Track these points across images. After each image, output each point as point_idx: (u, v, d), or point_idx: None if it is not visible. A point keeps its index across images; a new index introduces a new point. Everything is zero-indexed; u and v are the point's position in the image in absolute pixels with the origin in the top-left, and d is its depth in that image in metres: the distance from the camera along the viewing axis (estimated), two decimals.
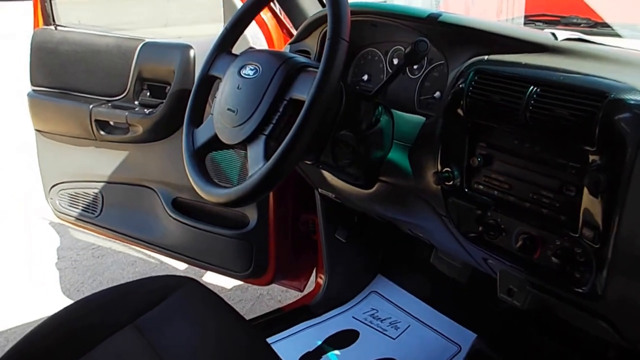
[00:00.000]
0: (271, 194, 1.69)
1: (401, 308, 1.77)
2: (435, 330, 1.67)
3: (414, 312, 1.74)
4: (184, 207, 1.86)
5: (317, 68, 0.96)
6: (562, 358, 1.29)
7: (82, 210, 2.07)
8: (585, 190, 0.85)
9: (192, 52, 1.67)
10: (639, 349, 1.01)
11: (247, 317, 1.71)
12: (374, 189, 1.25)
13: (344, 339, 1.67)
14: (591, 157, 0.84)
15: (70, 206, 2.10)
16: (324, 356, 1.60)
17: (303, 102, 0.96)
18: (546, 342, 1.33)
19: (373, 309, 1.78)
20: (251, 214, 1.74)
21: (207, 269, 1.96)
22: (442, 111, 1.05)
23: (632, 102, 0.80)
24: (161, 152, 1.79)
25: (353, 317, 1.75)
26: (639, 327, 0.93)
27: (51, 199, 2.14)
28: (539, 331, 1.34)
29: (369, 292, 1.86)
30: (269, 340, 1.68)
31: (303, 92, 1.00)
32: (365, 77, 1.33)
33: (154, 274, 1.77)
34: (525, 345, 1.33)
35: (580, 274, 0.92)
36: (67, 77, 1.92)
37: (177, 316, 1.13)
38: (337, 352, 1.61)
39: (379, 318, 1.74)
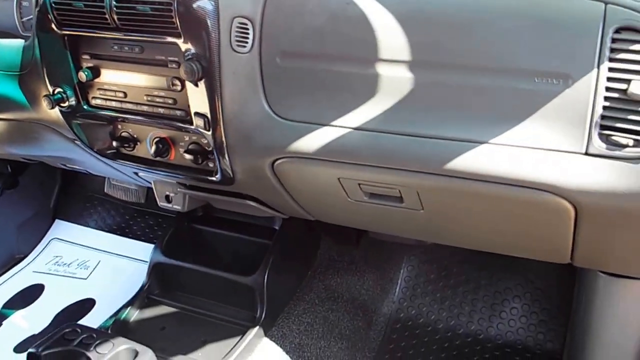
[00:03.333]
0: None
1: (87, 246, 1.68)
2: (126, 256, 1.63)
3: (101, 246, 1.67)
4: None
5: None
6: (238, 245, 1.35)
7: None
8: (187, 81, 0.86)
9: None
10: (292, 215, 1.10)
11: None
12: None
13: (26, 297, 1.53)
14: (183, 48, 0.85)
15: None
16: (5, 322, 1.44)
17: None
18: (219, 235, 1.38)
19: (56, 257, 1.66)
20: None
21: None
22: (35, 30, 0.96)
23: None
24: None
25: (34, 272, 1.61)
26: (274, 197, 1.01)
27: None
28: (208, 226, 1.38)
29: (49, 240, 1.72)
30: None
31: None
32: None
33: None
34: (198, 244, 1.37)
35: (213, 163, 0.96)
36: None
37: None
38: (20, 311, 1.47)
39: (65, 263, 1.63)
